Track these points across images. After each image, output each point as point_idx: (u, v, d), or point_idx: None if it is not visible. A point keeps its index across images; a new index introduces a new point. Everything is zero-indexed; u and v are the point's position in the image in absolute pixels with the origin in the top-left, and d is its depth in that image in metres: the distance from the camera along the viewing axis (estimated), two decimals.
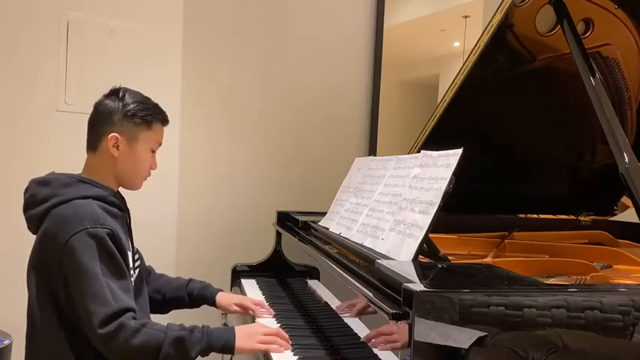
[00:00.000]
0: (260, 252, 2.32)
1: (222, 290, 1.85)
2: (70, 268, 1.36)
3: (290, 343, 1.46)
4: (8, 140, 2.28)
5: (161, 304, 1.79)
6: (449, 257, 1.42)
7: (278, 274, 2.24)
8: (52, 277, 1.40)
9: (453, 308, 0.98)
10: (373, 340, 1.22)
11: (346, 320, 1.42)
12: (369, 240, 1.51)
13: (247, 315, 1.79)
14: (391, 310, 1.04)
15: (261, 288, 2.05)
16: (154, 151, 1.59)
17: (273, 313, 1.76)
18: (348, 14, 2.90)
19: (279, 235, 2.27)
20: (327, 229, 1.81)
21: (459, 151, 1.35)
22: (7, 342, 2.00)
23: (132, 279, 1.50)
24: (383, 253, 1.38)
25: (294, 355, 1.41)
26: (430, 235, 1.32)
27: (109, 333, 1.31)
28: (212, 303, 1.81)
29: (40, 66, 2.32)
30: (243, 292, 2.02)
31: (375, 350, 1.19)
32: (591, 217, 2.29)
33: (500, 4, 1.72)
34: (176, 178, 2.60)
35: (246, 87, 2.73)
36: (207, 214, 2.68)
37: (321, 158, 2.84)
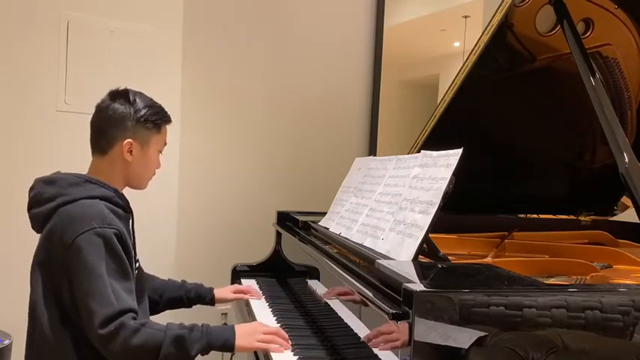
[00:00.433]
0: (260, 252, 2.32)
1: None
2: (76, 266, 1.36)
3: (290, 342, 1.46)
4: (8, 140, 2.28)
5: (157, 305, 1.80)
6: (449, 257, 1.42)
7: (278, 274, 2.24)
8: (57, 275, 1.41)
9: (453, 308, 0.98)
10: (373, 339, 1.22)
11: (346, 320, 1.42)
12: (369, 240, 1.51)
13: (245, 303, 1.86)
14: (391, 310, 1.04)
15: (261, 288, 2.05)
16: (160, 152, 1.61)
17: (262, 296, 1.93)
18: (348, 14, 2.91)
19: (279, 235, 2.27)
20: (327, 229, 1.81)
21: (459, 151, 1.35)
22: (7, 342, 2.00)
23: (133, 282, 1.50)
24: (383, 253, 1.38)
25: (294, 355, 1.41)
26: (430, 235, 1.32)
27: (109, 333, 1.31)
28: (209, 300, 1.85)
29: (40, 66, 2.32)
30: None
31: (375, 350, 1.19)
32: (591, 217, 2.29)
33: (500, 4, 1.72)
34: (176, 178, 2.61)
35: (246, 87, 2.73)
36: (207, 214, 2.68)
37: (321, 158, 2.84)
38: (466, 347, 0.97)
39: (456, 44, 3.10)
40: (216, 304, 1.89)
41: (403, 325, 1.01)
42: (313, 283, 1.83)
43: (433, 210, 1.30)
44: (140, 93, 1.57)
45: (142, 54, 2.49)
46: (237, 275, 2.25)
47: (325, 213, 1.97)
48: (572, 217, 2.31)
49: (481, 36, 1.77)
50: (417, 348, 0.97)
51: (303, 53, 2.82)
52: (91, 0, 2.40)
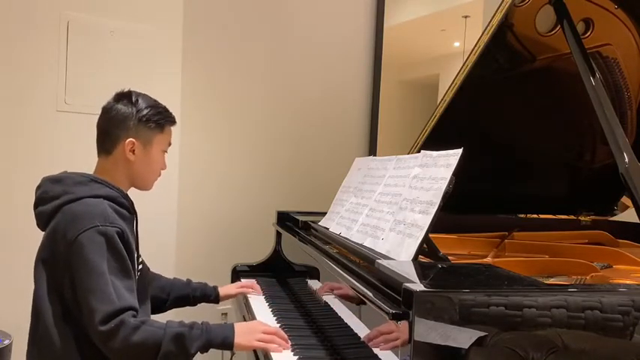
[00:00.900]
0: (260, 252, 2.32)
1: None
2: (78, 263, 1.37)
3: (289, 342, 1.46)
4: (8, 140, 2.28)
5: (164, 303, 1.82)
6: (449, 257, 1.42)
7: (278, 274, 2.24)
8: (59, 272, 1.42)
9: (453, 308, 0.98)
10: (374, 339, 1.22)
11: (346, 320, 1.42)
12: (369, 240, 1.51)
13: (244, 301, 1.88)
14: (391, 310, 1.04)
15: (261, 288, 2.05)
16: (165, 152, 1.62)
17: (262, 294, 1.96)
18: (348, 14, 2.91)
19: (279, 235, 2.27)
20: (327, 229, 1.81)
21: (459, 151, 1.35)
22: (7, 342, 2.00)
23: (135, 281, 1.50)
24: (383, 253, 1.38)
25: (294, 355, 1.41)
26: (430, 235, 1.32)
27: (109, 330, 1.32)
28: (214, 298, 1.89)
29: (40, 66, 2.32)
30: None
31: (375, 350, 1.19)
32: (591, 217, 2.29)
33: (500, 4, 1.72)
34: (176, 178, 2.60)
35: (246, 87, 2.73)
36: (208, 214, 2.68)
37: (321, 158, 2.84)
38: (466, 347, 0.97)
39: (456, 44, 3.10)
40: (220, 301, 1.92)
41: (403, 325, 1.01)
42: (313, 283, 1.83)
43: (433, 210, 1.30)
44: (144, 94, 1.59)
45: (142, 54, 2.49)
46: (237, 275, 2.25)
47: (325, 213, 1.97)
48: (572, 217, 2.31)
49: (481, 36, 1.77)
50: (417, 348, 0.97)
51: (303, 53, 2.82)
52: (91, 0, 2.40)
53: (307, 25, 2.83)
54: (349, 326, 1.39)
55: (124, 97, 1.56)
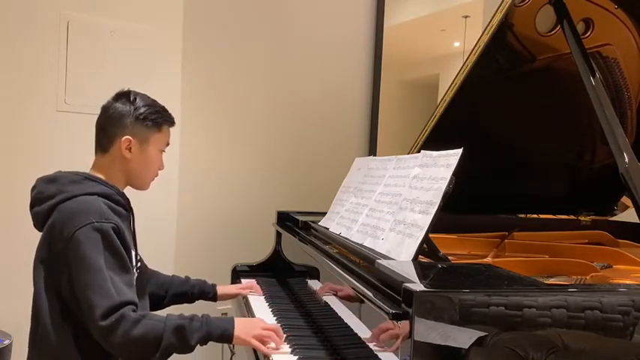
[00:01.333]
0: (260, 252, 2.32)
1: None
2: (75, 260, 1.38)
3: (283, 342, 1.47)
4: (8, 140, 2.28)
5: (162, 300, 1.83)
6: (449, 257, 1.42)
7: (278, 274, 2.24)
8: (57, 269, 1.42)
9: (453, 308, 0.98)
10: (374, 340, 1.22)
11: (346, 320, 1.42)
12: (369, 240, 1.51)
13: (244, 301, 1.91)
14: (391, 310, 1.04)
15: (261, 288, 2.05)
16: (162, 152, 1.62)
17: (262, 294, 1.96)
18: (348, 14, 2.90)
19: (279, 235, 2.27)
20: (327, 229, 1.81)
21: (459, 151, 1.35)
22: (7, 342, 2.00)
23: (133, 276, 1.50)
24: (383, 253, 1.38)
25: (294, 355, 1.41)
26: (430, 235, 1.32)
27: (110, 325, 1.32)
28: (212, 296, 1.90)
29: (40, 66, 2.32)
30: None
31: (375, 350, 1.19)
32: (591, 217, 2.29)
33: (500, 4, 1.72)
34: (176, 178, 2.60)
35: (247, 87, 2.73)
36: (208, 214, 2.68)
37: (321, 158, 2.84)
38: (466, 347, 0.97)
39: (456, 44, 3.09)
40: (218, 300, 1.92)
41: (403, 325, 1.01)
42: (313, 283, 1.83)
43: (433, 210, 1.30)
44: (143, 94, 1.60)
45: (142, 54, 2.49)
46: (237, 275, 2.25)
47: (325, 213, 1.97)
48: (572, 217, 2.30)
49: (481, 36, 1.77)
50: (417, 348, 0.97)
51: (303, 53, 2.82)
52: (91, 0, 2.40)
53: (307, 25, 2.83)
54: (349, 326, 1.39)
55: (123, 95, 1.57)
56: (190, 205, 2.64)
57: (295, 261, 2.12)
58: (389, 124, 2.95)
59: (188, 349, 1.39)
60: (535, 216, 2.32)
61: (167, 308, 1.81)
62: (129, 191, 1.61)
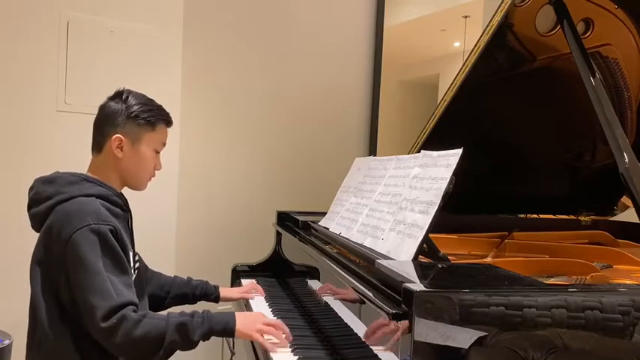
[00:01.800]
0: (260, 252, 2.32)
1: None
2: (73, 262, 1.37)
3: (290, 337, 1.47)
4: (8, 140, 2.28)
5: (164, 301, 1.82)
6: (449, 257, 1.42)
7: (278, 274, 2.24)
8: (54, 271, 1.42)
9: (453, 308, 0.98)
10: (371, 337, 1.23)
11: (346, 320, 1.42)
12: (369, 240, 1.51)
13: (244, 302, 1.91)
14: (391, 310, 1.04)
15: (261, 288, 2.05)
16: (158, 152, 1.61)
17: (264, 294, 1.95)
18: (348, 14, 2.90)
19: (279, 235, 2.27)
20: (327, 229, 1.81)
21: (459, 151, 1.35)
22: (7, 342, 2.00)
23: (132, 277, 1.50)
24: (383, 253, 1.38)
25: (294, 355, 1.41)
26: (430, 235, 1.32)
27: (111, 326, 1.32)
28: (214, 297, 1.89)
29: (40, 66, 2.32)
30: None
31: (375, 350, 1.19)
32: (591, 217, 2.29)
33: (500, 4, 1.72)
34: (176, 178, 2.60)
35: (247, 86, 2.73)
36: (207, 214, 2.68)
37: (321, 158, 2.84)
38: (466, 347, 0.97)
39: (456, 44, 3.09)
40: (220, 302, 1.92)
41: (402, 324, 1.01)
42: (313, 283, 1.83)
43: (433, 210, 1.30)
44: (138, 93, 1.58)
45: (142, 54, 2.49)
46: (237, 275, 2.25)
47: (325, 213, 1.97)
48: (572, 217, 2.30)
49: (481, 36, 1.77)
50: (417, 348, 0.97)
51: (303, 53, 2.82)
52: (90, 0, 2.40)
53: (307, 25, 2.83)
54: (349, 326, 1.39)
55: (117, 95, 1.56)
56: (190, 205, 2.64)
57: (295, 261, 2.12)
58: (389, 124, 2.95)
59: (191, 345, 1.39)
60: (535, 216, 2.32)
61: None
62: (129, 191, 1.61)
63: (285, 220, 2.29)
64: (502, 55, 1.88)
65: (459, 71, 1.83)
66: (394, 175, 1.61)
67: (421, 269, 1.22)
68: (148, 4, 2.51)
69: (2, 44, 2.25)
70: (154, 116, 1.56)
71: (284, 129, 2.80)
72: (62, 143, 2.32)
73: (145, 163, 1.57)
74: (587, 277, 1.52)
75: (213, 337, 1.43)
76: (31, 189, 1.52)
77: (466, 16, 2.95)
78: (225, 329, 1.42)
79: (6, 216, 2.23)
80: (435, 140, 1.91)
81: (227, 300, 1.92)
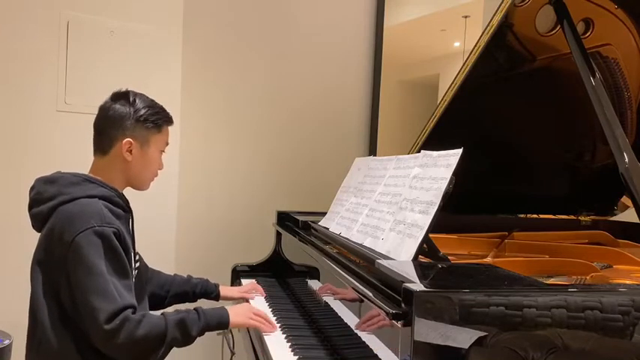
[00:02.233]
0: (260, 252, 2.32)
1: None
2: (76, 265, 1.37)
3: (277, 326, 1.60)
4: (8, 140, 2.28)
5: (164, 300, 1.83)
6: (449, 257, 1.42)
7: (278, 274, 2.24)
8: (55, 273, 1.42)
9: (453, 308, 0.98)
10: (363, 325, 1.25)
11: (346, 320, 1.42)
12: (369, 240, 1.51)
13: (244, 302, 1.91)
14: (391, 310, 1.04)
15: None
16: (162, 152, 1.62)
17: (264, 294, 1.97)
18: (348, 14, 2.90)
19: (279, 235, 2.27)
20: (327, 229, 1.81)
21: (459, 151, 1.35)
22: (7, 342, 2.00)
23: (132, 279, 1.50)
24: (383, 253, 1.38)
25: (294, 355, 1.41)
26: (430, 235, 1.32)
27: (114, 328, 1.33)
28: (215, 296, 1.91)
29: (40, 66, 2.32)
30: None
31: (375, 350, 1.19)
32: (591, 217, 2.29)
33: (500, 4, 1.72)
34: (176, 177, 2.61)
35: (246, 86, 2.73)
36: (207, 214, 2.68)
37: (321, 158, 2.84)
38: (466, 347, 0.97)
39: (456, 44, 3.09)
40: (220, 301, 1.92)
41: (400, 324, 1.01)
42: (313, 283, 1.83)
43: (433, 210, 1.30)
44: (141, 94, 1.58)
45: (142, 54, 2.49)
46: (237, 275, 2.25)
47: (325, 213, 1.97)
48: (572, 217, 2.30)
49: (481, 36, 1.77)
50: (417, 348, 0.97)
51: (303, 53, 2.82)
52: (90, 0, 2.40)
53: (307, 25, 2.83)
54: (349, 326, 1.39)
55: (122, 96, 1.55)
56: (190, 205, 2.65)
57: (295, 261, 2.12)
58: (389, 124, 2.95)
59: (189, 341, 1.44)
60: (535, 216, 2.32)
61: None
62: (129, 191, 1.61)
63: (285, 220, 2.29)
64: (502, 55, 1.88)
65: (459, 71, 1.83)
66: (394, 175, 1.61)
67: (421, 269, 1.22)
68: (148, 4, 2.51)
69: (2, 44, 2.25)
70: (161, 119, 1.57)
71: (284, 129, 2.80)
72: (62, 143, 2.32)
73: (151, 164, 1.59)
74: (587, 277, 1.52)
75: (213, 338, 1.45)
76: (32, 189, 1.52)
77: (466, 16, 2.95)
78: (220, 322, 1.49)
79: (6, 216, 2.23)
80: (435, 140, 1.91)
81: (227, 299, 1.93)
